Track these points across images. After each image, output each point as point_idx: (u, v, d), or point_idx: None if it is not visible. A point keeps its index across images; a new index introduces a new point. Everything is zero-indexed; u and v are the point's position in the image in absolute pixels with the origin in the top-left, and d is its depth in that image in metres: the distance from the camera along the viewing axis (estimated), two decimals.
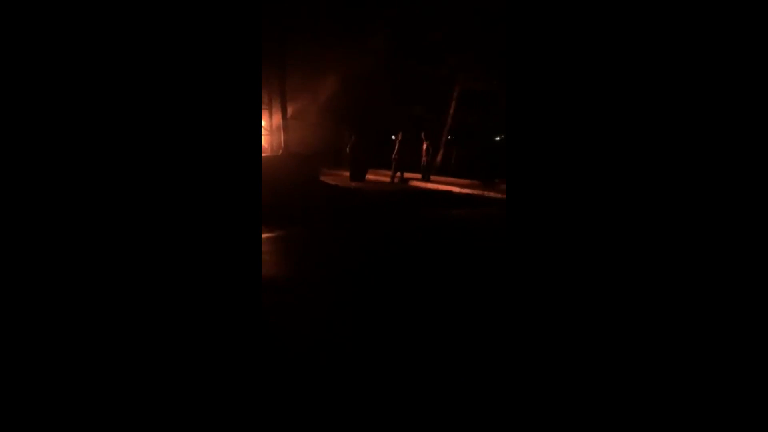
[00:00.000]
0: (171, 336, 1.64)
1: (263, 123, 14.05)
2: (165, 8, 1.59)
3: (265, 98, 13.71)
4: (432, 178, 13.37)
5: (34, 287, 1.52)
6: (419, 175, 13.58)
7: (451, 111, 15.88)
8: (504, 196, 9.81)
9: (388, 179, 13.68)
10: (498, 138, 15.39)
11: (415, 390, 2.38)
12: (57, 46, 1.52)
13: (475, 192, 11.02)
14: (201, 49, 1.63)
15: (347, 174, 14.02)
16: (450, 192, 11.58)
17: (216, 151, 1.66)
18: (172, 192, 1.63)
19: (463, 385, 2.41)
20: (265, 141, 14.40)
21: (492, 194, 10.52)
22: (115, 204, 1.58)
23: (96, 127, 1.56)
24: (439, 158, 15.53)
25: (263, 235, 6.25)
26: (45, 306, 1.53)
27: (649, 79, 1.57)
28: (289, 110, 13.32)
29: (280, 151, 12.09)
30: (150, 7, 1.58)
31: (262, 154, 12.82)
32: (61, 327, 1.55)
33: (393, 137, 13.75)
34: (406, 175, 13.53)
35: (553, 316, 1.69)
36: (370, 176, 14.25)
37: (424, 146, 13.56)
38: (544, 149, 1.71)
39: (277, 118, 13.26)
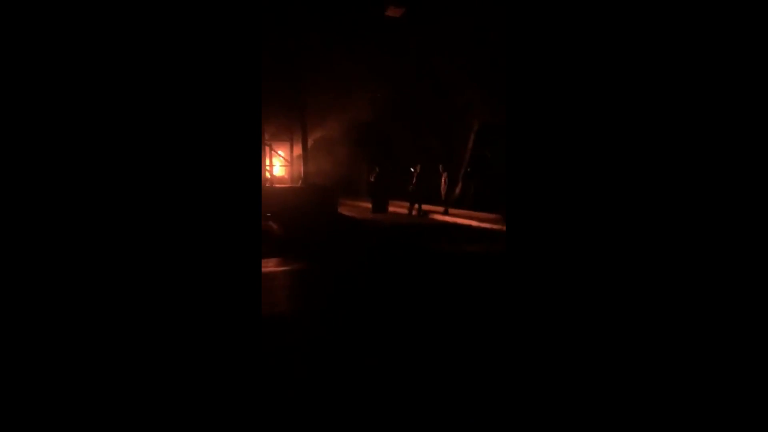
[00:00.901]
0: (170, 343, 1.65)
1: (283, 154, 14.36)
2: (165, 17, 1.62)
3: (286, 131, 14.07)
4: (450, 211, 13.43)
5: (35, 292, 1.55)
6: (437, 208, 13.66)
7: (470, 144, 16.03)
8: None
9: (405, 211, 13.78)
10: None
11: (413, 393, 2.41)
12: (56, 47, 1.53)
13: (495, 227, 11.02)
14: (201, 66, 1.65)
15: (365, 205, 14.16)
16: (469, 226, 11.60)
17: (216, 170, 1.69)
18: (171, 200, 1.65)
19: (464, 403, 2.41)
20: (285, 172, 14.70)
21: None
22: (113, 209, 1.60)
23: (96, 134, 1.58)
24: (457, 191, 15.62)
25: (279, 269, 6.35)
26: (46, 310, 1.56)
27: (646, 95, 1.60)
28: (310, 141, 13.63)
29: (300, 182, 12.32)
30: (149, 14, 1.60)
31: (282, 185, 13.07)
32: (61, 329, 1.57)
33: (411, 169, 13.89)
34: (425, 207, 13.62)
35: (554, 336, 1.73)
36: (389, 208, 14.38)
37: (443, 178, 13.67)
38: (544, 173, 1.75)
39: (298, 149, 13.58)
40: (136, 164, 1.62)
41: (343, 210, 13.76)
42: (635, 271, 1.64)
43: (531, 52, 1.75)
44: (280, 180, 14.12)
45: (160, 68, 1.63)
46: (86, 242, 1.59)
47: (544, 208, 1.76)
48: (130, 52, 1.60)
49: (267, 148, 12.71)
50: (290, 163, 14.37)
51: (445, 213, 13.29)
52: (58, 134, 1.56)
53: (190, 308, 1.67)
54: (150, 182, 1.64)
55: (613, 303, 1.67)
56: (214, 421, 1.69)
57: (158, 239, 1.65)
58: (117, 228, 1.62)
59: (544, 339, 1.76)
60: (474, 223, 11.79)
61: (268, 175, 13.04)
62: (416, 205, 13.52)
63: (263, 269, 6.30)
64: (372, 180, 14.32)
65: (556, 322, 1.74)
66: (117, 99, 1.60)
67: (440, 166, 13.92)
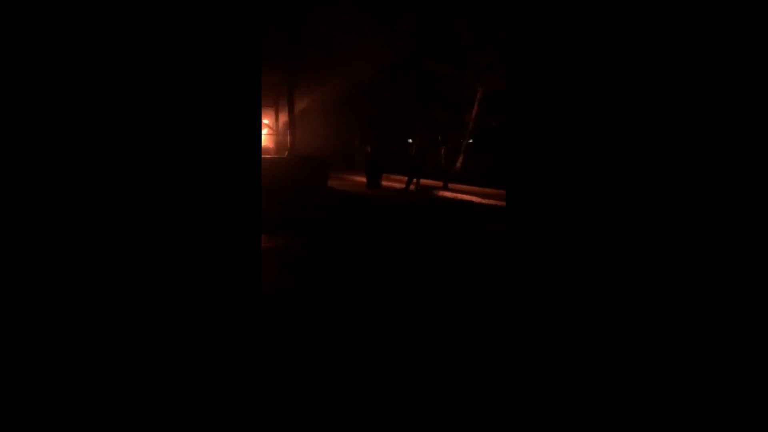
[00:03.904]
0: (169, 337, 1.71)
1: (267, 122, 13.93)
2: (165, 8, 1.65)
3: (271, 96, 13.59)
4: (451, 186, 13.11)
5: (33, 290, 1.59)
6: (436, 183, 13.34)
7: (474, 113, 15.64)
8: None
9: (402, 185, 13.44)
10: None
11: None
12: (57, 46, 1.57)
13: (498, 203, 10.75)
14: (200, 50, 1.68)
15: (357, 179, 13.82)
16: (471, 202, 11.33)
17: (215, 152, 1.73)
18: (170, 192, 1.69)
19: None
20: (269, 141, 14.28)
21: None
22: (112, 205, 1.65)
23: (95, 129, 1.62)
24: (458, 164, 15.29)
25: (263, 246, 6.15)
26: (45, 306, 1.61)
27: (648, 84, 1.64)
28: (297, 109, 13.17)
29: (286, 153, 11.93)
30: (150, 7, 1.64)
31: (266, 155, 12.69)
32: (60, 327, 1.62)
33: (410, 141, 13.53)
34: (423, 182, 13.30)
35: (553, 323, 1.78)
36: (383, 182, 14.04)
37: (443, 151, 13.32)
38: (544, 154, 1.79)
39: (284, 117, 13.15)
40: (130, 134, 1.65)
41: (335, 184, 13.42)
42: (637, 262, 1.68)
43: (531, 19, 1.79)
44: (265, 150, 13.71)
45: (153, 39, 1.65)
46: (80, 226, 1.62)
47: (546, 191, 1.79)
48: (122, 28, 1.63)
49: None
50: (275, 132, 13.93)
51: (445, 188, 12.98)
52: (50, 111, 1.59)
53: (188, 289, 1.72)
54: (145, 157, 1.66)
55: (619, 289, 1.71)
56: (210, 406, 1.74)
57: (154, 217, 1.68)
58: (110, 199, 1.64)
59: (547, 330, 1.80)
60: (476, 199, 11.52)
61: None
62: (414, 180, 13.17)
63: None
64: (368, 151, 13.87)
65: (558, 310, 1.78)
66: (108, 77, 1.63)
67: (439, 137, 13.57)
